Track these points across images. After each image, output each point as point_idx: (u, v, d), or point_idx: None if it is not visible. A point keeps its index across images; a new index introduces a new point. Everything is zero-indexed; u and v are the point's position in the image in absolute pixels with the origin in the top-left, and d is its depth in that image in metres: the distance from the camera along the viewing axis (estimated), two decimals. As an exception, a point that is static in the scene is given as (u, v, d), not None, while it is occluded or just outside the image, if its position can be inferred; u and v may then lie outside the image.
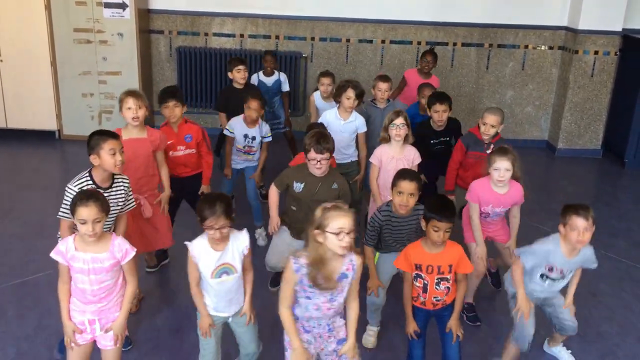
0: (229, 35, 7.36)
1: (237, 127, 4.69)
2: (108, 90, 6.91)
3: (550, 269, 3.16)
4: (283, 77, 5.98)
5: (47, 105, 6.97)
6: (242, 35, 7.35)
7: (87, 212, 2.69)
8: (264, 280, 4.15)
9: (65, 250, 2.78)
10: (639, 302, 4.32)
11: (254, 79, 5.85)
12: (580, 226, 3.00)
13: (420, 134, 4.61)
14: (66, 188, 3.10)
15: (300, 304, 2.74)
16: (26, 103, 6.94)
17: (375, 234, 3.50)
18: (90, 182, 3.15)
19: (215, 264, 2.87)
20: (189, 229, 3.45)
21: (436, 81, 5.85)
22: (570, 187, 6.35)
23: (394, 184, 3.39)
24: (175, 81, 7.39)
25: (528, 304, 3.17)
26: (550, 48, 7.47)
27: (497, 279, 4.33)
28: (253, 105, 4.57)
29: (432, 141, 4.66)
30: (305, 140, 3.54)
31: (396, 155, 4.10)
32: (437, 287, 3.08)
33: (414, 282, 3.12)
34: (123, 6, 6.67)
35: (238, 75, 5.18)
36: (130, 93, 3.70)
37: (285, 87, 5.99)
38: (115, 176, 3.25)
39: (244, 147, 4.71)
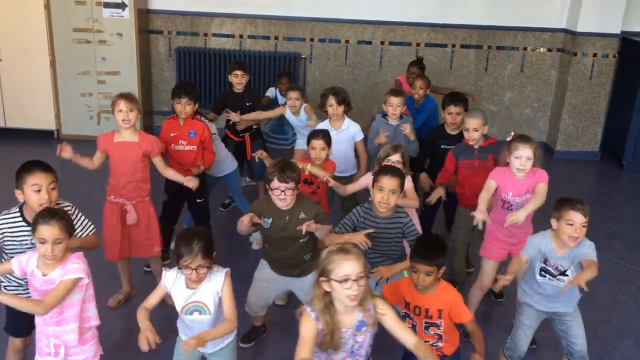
0: (228, 36, 7.36)
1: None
2: (107, 90, 6.90)
3: (545, 261, 3.08)
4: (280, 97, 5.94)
5: (46, 105, 6.97)
6: (241, 36, 7.35)
7: (49, 231, 2.48)
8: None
9: (26, 262, 2.60)
10: (636, 304, 4.33)
11: (272, 92, 5.86)
12: (578, 221, 2.91)
13: (430, 138, 4.50)
14: None
15: None
16: (25, 102, 6.94)
17: (347, 228, 3.27)
18: (19, 218, 2.80)
19: (185, 300, 2.69)
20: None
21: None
22: (568, 188, 6.34)
23: (375, 180, 3.21)
24: (175, 81, 7.37)
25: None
26: (549, 50, 7.48)
27: (499, 292, 4.25)
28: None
29: (442, 146, 4.40)
30: (269, 168, 3.20)
31: None
32: (426, 332, 2.83)
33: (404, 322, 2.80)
34: (122, 6, 6.67)
35: (235, 80, 5.14)
36: (122, 96, 3.67)
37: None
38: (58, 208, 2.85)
39: None
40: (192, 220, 4.63)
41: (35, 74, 6.85)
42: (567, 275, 3.09)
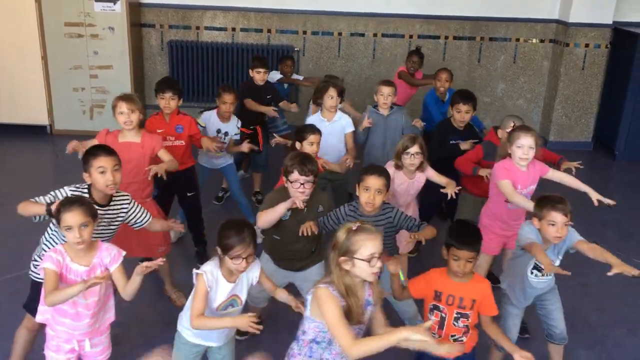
0: (220, 29, 7.34)
1: (210, 121, 4.63)
2: (99, 84, 6.88)
3: None
4: (275, 73, 5.95)
5: (38, 100, 6.94)
6: (233, 29, 7.34)
7: (73, 217, 2.56)
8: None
9: (62, 260, 2.61)
10: (628, 293, 4.36)
11: (272, 78, 5.82)
12: (559, 221, 2.88)
13: (440, 131, 4.50)
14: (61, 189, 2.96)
15: (319, 340, 2.45)
16: (17, 98, 6.91)
17: (330, 224, 3.22)
18: (87, 193, 2.97)
19: (226, 295, 2.69)
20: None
21: (420, 76, 5.95)
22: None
23: (360, 180, 3.17)
24: (167, 75, 7.36)
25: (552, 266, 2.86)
26: (542, 41, 7.49)
27: (491, 275, 4.27)
28: (228, 98, 4.55)
29: (451, 141, 4.41)
30: (287, 161, 3.17)
31: (407, 179, 3.82)
32: (455, 324, 2.79)
33: (430, 316, 2.83)
34: (114, 0, 6.63)
35: (257, 77, 5.24)
36: (123, 98, 3.65)
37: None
38: (115, 196, 3.06)
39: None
40: (202, 182, 4.69)
41: (27, 69, 6.81)
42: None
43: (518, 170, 3.54)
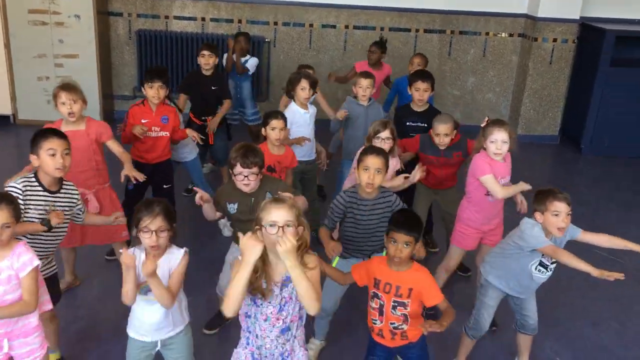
0: (190, 19, 7.23)
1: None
2: (65, 73, 6.71)
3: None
4: (252, 61, 5.86)
5: (1, 89, 6.75)
6: (203, 19, 7.24)
7: None
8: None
9: None
10: (592, 287, 4.44)
11: (252, 63, 5.78)
12: (563, 211, 2.94)
13: (397, 116, 4.48)
14: (6, 185, 2.90)
15: (249, 314, 2.47)
16: (-21, 86, 6.72)
17: (337, 217, 3.26)
18: (35, 182, 2.93)
19: (142, 278, 2.59)
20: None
21: (388, 70, 5.92)
22: (528, 172, 6.42)
23: (359, 161, 3.18)
24: (135, 65, 7.24)
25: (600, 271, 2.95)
26: (511, 35, 7.57)
27: (461, 265, 4.28)
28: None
29: (407, 123, 4.37)
30: (231, 153, 3.16)
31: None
32: (393, 312, 2.80)
33: (371, 303, 2.86)
34: (80, -13, 6.48)
35: (202, 60, 5.06)
36: (63, 87, 3.55)
37: (252, 68, 5.84)
38: (65, 183, 3.04)
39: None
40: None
41: (-11, 57, 6.63)
42: (555, 262, 3.12)
43: (493, 161, 3.56)
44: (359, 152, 3.80)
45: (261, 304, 2.42)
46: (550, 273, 3.18)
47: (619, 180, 6.64)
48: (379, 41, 6.00)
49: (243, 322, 2.53)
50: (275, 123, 3.83)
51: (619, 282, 4.48)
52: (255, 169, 3.11)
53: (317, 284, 2.41)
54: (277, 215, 2.30)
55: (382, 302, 2.82)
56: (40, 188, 2.94)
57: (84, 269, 4.12)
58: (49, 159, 2.89)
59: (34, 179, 2.95)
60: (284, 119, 3.91)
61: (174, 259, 2.65)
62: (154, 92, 4.06)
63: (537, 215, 3.02)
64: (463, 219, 3.75)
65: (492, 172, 3.51)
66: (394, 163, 3.86)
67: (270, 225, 2.30)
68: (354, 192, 3.25)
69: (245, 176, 3.10)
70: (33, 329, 2.75)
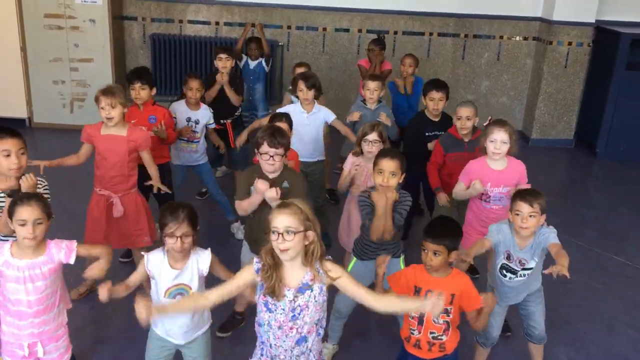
0: (204, 23, 7.27)
1: (179, 110, 4.51)
2: (80, 77, 6.79)
3: (508, 257, 3.07)
4: (263, 63, 5.92)
5: (17, 93, 6.81)
6: (217, 23, 7.27)
7: (29, 212, 2.51)
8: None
9: None
10: (607, 291, 4.41)
11: (243, 62, 5.83)
12: (524, 211, 2.92)
13: (414, 126, 4.43)
14: None
15: (263, 321, 2.45)
16: (-5, 90, 6.79)
17: (369, 209, 3.20)
18: None
19: (171, 282, 2.65)
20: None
21: (387, 66, 5.88)
22: (542, 176, 6.42)
23: (375, 164, 3.19)
24: (150, 68, 7.28)
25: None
26: (525, 39, 7.53)
27: (471, 266, 4.29)
28: (194, 84, 4.48)
29: (427, 133, 4.35)
30: (259, 133, 3.21)
31: (368, 168, 3.69)
32: (435, 320, 2.75)
33: (410, 312, 2.79)
34: (95, -8, 6.54)
35: (220, 64, 5.08)
36: (103, 92, 3.53)
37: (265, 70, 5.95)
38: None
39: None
40: (180, 182, 4.64)
41: (6, 61, 6.69)
42: (530, 269, 3.09)
43: (489, 169, 3.56)
44: (350, 154, 3.88)
45: (275, 310, 2.40)
46: (521, 279, 3.11)
47: (632, 185, 6.57)
48: (376, 39, 6.02)
49: (258, 332, 2.52)
50: (279, 125, 3.83)
51: (635, 286, 4.47)
52: (281, 150, 3.13)
53: (356, 285, 2.40)
54: (278, 220, 2.29)
55: (423, 312, 2.73)
56: None
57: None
58: (3, 159, 2.84)
59: None
60: (289, 121, 3.91)
61: (202, 260, 2.71)
62: (135, 92, 4.07)
63: (509, 214, 3.03)
64: (466, 220, 3.77)
65: (474, 177, 3.53)
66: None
67: (272, 232, 2.30)
68: (369, 195, 3.22)
69: (270, 156, 3.12)
70: (63, 332, 2.82)
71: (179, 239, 2.55)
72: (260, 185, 3.11)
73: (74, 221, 3.96)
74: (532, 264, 3.07)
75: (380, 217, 3.13)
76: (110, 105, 3.50)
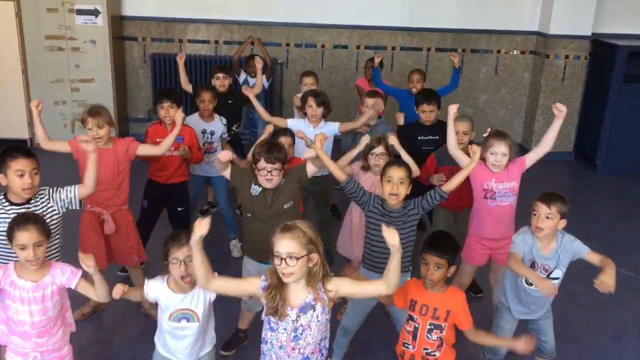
0: (203, 42, 7.33)
1: (193, 123, 4.53)
2: (81, 97, 6.82)
3: (532, 265, 3.07)
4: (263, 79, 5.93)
5: (18, 114, 6.85)
6: (216, 42, 7.32)
7: (27, 236, 2.51)
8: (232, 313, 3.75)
9: (3, 275, 2.59)
10: (613, 303, 4.38)
11: (242, 78, 5.84)
12: (541, 212, 2.96)
13: (407, 131, 4.45)
14: None
15: (266, 340, 2.48)
16: (-3, 111, 6.82)
17: (362, 196, 3.21)
18: (6, 202, 2.94)
19: (175, 307, 2.65)
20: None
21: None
22: (542, 190, 6.40)
23: (383, 173, 3.21)
24: (150, 88, 7.32)
25: (548, 282, 2.83)
26: (522, 53, 7.58)
27: (475, 286, 4.29)
28: (206, 96, 4.55)
29: (419, 137, 4.41)
30: (255, 148, 3.26)
31: (375, 182, 3.73)
32: (429, 336, 2.77)
33: (405, 326, 2.84)
34: (95, 13, 6.60)
35: (217, 83, 5.13)
36: (90, 112, 3.58)
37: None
38: (38, 191, 3.03)
39: (203, 144, 4.62)
40: (198, 195, 4.72)
41: (7, 82, 6.74)
42: (556, 278, 3.08)
43: (489, 170, 3.58)
44: (356, 166, 3.89)
45: (276, 329, 2.40)
46: (557, 281, 3.10)
47: (635, 197, 6.57)
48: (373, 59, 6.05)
49: (262, 350, 2.52)
50: (283, 140, 3.85)
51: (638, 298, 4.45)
52: (278, 165, 3.17)
53: (358, 286, 2.46)
54: (281, 245, 2.30)
55: (417, 325, 2.78)
56: (7, 203, 2.94)
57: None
58: (17, 179, 2.87)
59: (3, 198, 2.95)
60: (292, 136, 3.96)
61: None
62: (165, 112, 4.11)
63: (531, 218, 3.06)
64: (471, 230, 3.75)
65: (475, 174, 3.53)
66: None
67: (275, 256, 2.31)
68: (382, 201, 3.21)
69: (268, 171, 3.16)
70: (67, 351, 2.82)
71: (182, 262, 2.55)
72: (224, 155, 3.18)
73: (66, 237, 3.94)
74: (557, 273, 3.07)
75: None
76: (97, 126, 3.55)
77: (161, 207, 4.32)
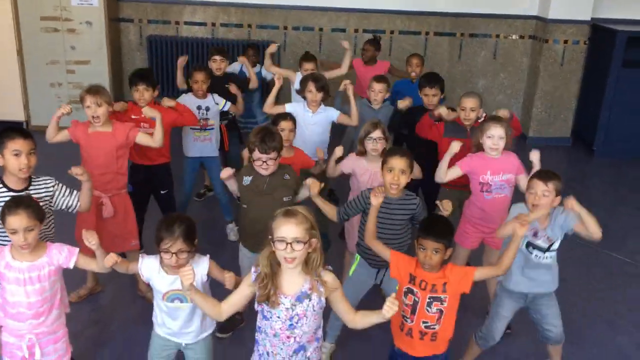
0: (200, 24, 7.27)
1: (187, 101, 4.52)
2: (77, 79, 6.76)
3: (535, 234, 3.07)
4: (265, 71, 5.87)
5: (14, 96, 6.81)
6: (213, 24, 7.27)
7: (18, 221, 2.51)
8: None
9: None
10: (606, 288, 4.42)
11: (235, 68, 5.70)
12: (538, 189, 2.98)
13: (409, 113, 4.43)
14: None
15: (260, 328, 2.45)
16: (-8, 93, 6.78)
17: (351, 211, 3.25)
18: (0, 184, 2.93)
19: (168, 287, 2.66)
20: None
21: (383, 67, 5.81)
22: (540, 175, 6.44)
23: (384, 162, 3.17)
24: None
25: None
26: (521, 37, 7.54)
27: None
28: (199, 77, 4.53)
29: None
30: (250, 137, 3.22)
31: (372, 168, 3.69)
32: (428, 309, 2.75)
33: (404, 299, 2.79)
34: (91, -6, 6.53)
35: (214, 65, 5.06)
36: (89, 90, 3.55)
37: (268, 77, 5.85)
38: (34, 179, 3.03)
39: (199, 121, 4.57)
40: (192, 183, 4.73)
41: (2, 64, 6.69)
42: (553, 250, 3.11)
43: (487, 157, 3.60)
44: (353, 154, 3.85)
45: (270, 317, 2.38)
46: (551, 254, 3.13)
47: (632, 182, 6.58)
48: (372, 39, 6.01)
49: (257, 339, 2.51)
50: (283, 124, 3.83)
51: (637, 284, 4.47)
52: (273, 154, 3.16)
53: (344, 302, 2.44)
54: (285, 230, 2.27)
55: (416, 299, 2.76)
56: (4, 189, 2.92)
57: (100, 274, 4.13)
58: (13, 159, 2.88)
59: None
60: (293, 120, 3.91)
61: (201, 268, 2.69)
62: (139, 94, 4.04)
63: (526, 194, 3.10)
64: (465, 215, 3.77)
65: (472, 165, 3.58)
66: None
67: (279, 241, 2.27)
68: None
69: (263, 161, 3.17)
70: (62, 334, 2.82)
71: (174, 255, 2.54)
72: (224, 173, 3.24)
73: (63, 221, 3.93)
74: (556, 245, 3.12)
75: (371, 218, 3.05)
76: (96, 104, 3.51)
77: (147, 190, 4.29)
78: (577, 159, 7.30)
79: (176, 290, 2.66)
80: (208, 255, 2.76)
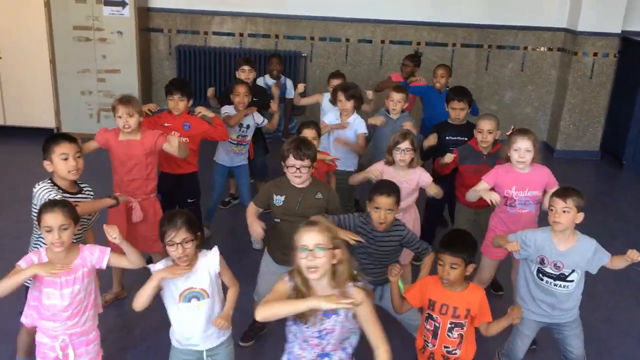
0: (228, 34, 7.36)
1: (230, 113, 4.63)
2: (107, 88, 6.90)
3: (542, 261, 3.04)
4: (289, 83, 5.97)
5: (45, 103, 6.95)
6: (241, 35, 7.35)
7: (53, 218, 2.58)
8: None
9: (37, 261, 2.64)
10: (636, 303, 4.33)
11: (260, 82, 5.80)
12: (557, 206, 2.94)
13: (435, 130, 4.45)
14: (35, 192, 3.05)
15: (291, 330, 2.42)
16: (25, 100, 6.92)
17: (344, 227, 3.20)
18: (55, 187, 3.05)
19: (183, 285, 2.67)
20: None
21: (421, 84, 5.81)
22: (568, 188, 6.35)
23: (370, 199, 3.16)
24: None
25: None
26: (550, 49, 7.47)
27: (496, 283, 4.26)
28: (241, 90, 4.59)
29: (447, 137, 4.36)
30: (284, 145, 3.22)
31: (399, 177, 3.70)
32: (449, 334, 2.75)
33: (424, 325, 2.81)
34: (123, 4, 6.66)
35: (243, 75, 5.15)
36: (121, 101, 3.63)
37: (290, 94, 5.98)
38: (83, 185, 3.20)
39: (237, 137, 4.67)
40: (221, 190, 4.84)
41: (35, 72, 6.83)
42: (569, 281, 3.04)
43: (514, 172, 3.57)
44: (382, 162, 3.88)
45: (302, 325, 2.37)
46: (572, 284, 3.05)
47: (662, 197, 6.46)
48: (412, 55, 6.01)
49: (288, 336, 2.49)
50: (307, 132, 3.87)
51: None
52: (307, 162, 3.16)
53: (374, 323, 2.35)
54: (307, 238, 2.26)
55: (437, 325, 2.76)
56: (60, 190, 3.05)
57: (126, 278, 4.18)
58: (62, 163, 3.03)
59: (50, 183, 3.07)
60: (317, 128, 3.96)
61: (211, 260, 2.73)
62: (174, 103, 4.16)
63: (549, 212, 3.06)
64: (490, 226, 3.75)
65: (498, 180, 3.56)
66: (413, 182, 3.82)
67: (301, 250, 2.27)
68: (367, 220, 3.23)
69: (297, 168, 3.16)
70: (94, 336, 2.87)
71: (179, 245, 2.57)
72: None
73: (95, 227, 4.00)
74: (573, 276, 3.03)
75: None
76: (128, 114, 3.60)
77: (174, 199, 4.34)
78: (606, 173, 7.19)
79: (191, 289, 2.68)
80: (216, 247, 2.78)
